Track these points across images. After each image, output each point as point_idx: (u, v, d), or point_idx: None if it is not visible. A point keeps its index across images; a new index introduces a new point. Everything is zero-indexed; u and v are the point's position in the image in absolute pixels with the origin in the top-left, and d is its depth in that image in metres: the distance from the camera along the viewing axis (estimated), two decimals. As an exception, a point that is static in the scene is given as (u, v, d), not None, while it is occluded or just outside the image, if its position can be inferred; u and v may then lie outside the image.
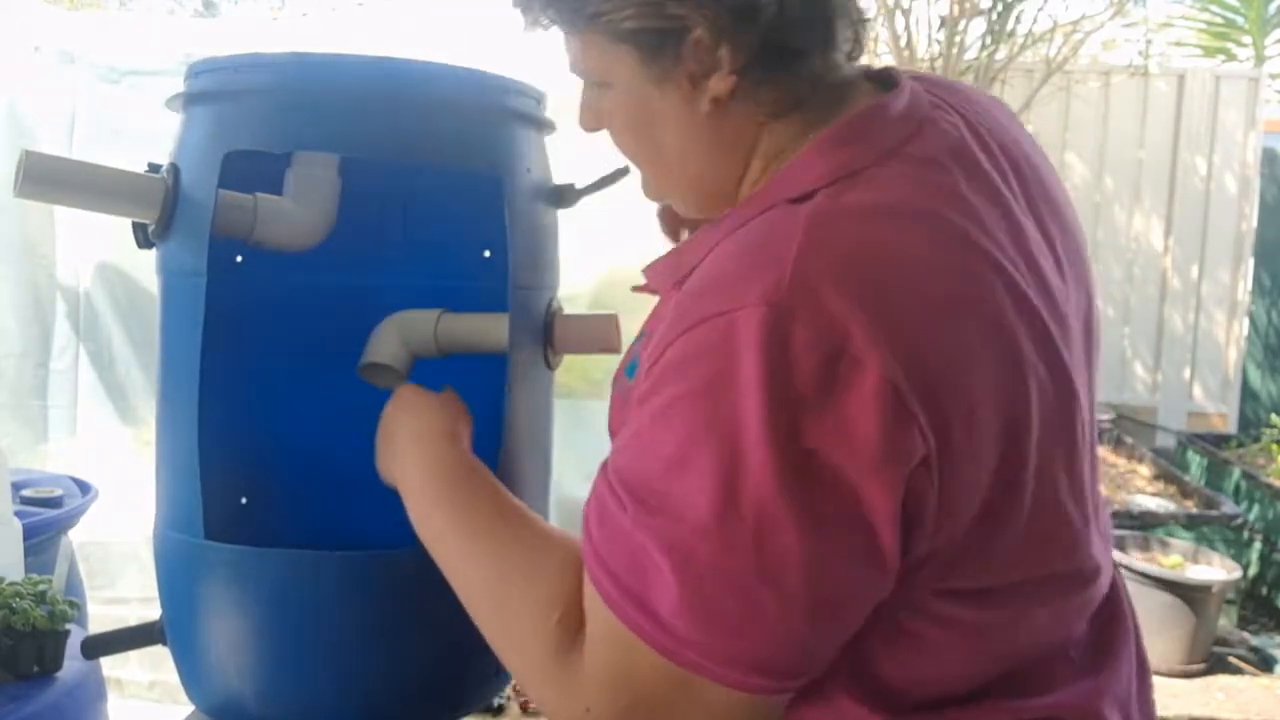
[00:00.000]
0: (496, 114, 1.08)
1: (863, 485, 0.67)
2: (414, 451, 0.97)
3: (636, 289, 0.90)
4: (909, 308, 0.70)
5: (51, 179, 1.01)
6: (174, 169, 1.03)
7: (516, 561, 0.84)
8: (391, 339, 1.14)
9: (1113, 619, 0.88)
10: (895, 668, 0.76)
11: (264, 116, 1.02)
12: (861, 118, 0.79)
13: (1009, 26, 4.87)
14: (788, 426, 0.66)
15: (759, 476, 0.66)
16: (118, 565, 2.93)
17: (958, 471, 0.70)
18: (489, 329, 1.11)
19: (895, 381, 0.67)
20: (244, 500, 1.24)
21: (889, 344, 0.67)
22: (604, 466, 0.77)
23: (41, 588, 1.49)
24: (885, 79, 0.85)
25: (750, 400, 0.66)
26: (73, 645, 1.48)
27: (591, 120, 0.87)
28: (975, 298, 0.73)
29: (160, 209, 1.02)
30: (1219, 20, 7.21)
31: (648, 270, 0.87)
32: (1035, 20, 4.94)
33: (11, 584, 1.48)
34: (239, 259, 1.21)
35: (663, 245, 1.10)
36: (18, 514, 1.93)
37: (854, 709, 0.76)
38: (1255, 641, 3.95)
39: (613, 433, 0.87)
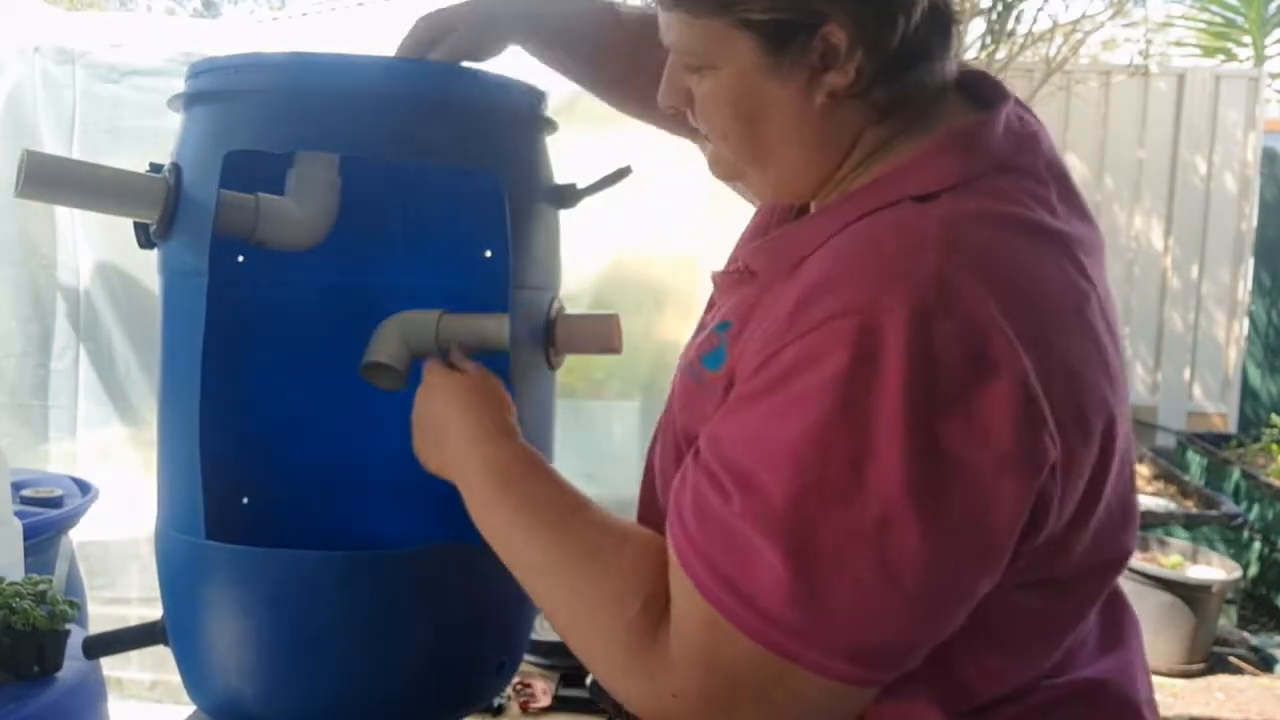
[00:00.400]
0: (498, 114, 1.08)
1: (993, 487, 0.68)
2: (469, 451, 0.94)
3: (722, 272, 0.87)
4: (1040, 316, 0.72)
5: (52, 179, 1.01)
6: (175, 169, 1.03)
7: (587, 556, 0.83)
8: (392, 339, 1.14)
9: (1119, 603, 0.90)
10: (969, 664, 0.77)
11: (265, 116, 1.02)
12: (979, 126, 0.80)
13: (1009, 26, 4.87)
14: (925, 425, 0.67)
15: (889, 470, 0.67)
16: (118, 565, 2.93)
17: (1074, 474, 0.72)
18: (490, 329, 1.11)
19: (1030, 386, 0.68)
20: (245, 500, 1.24)
21: (1026, 349, 0.69)
22: (697, 456, 0.76)
23: (41, 588, 1.49)
24: (969, 83, 0.86)
25: (888, 396, 0.67)
26: (73, 645, 1.48)
27: (676, 98, 0.86)
28: (1084, 310, 0.76)
29: (161, 209, 1.02)
30: (1219, 20, 7.22)
31: (744, 253, 0.84)
32: (1035, 20, 4.94)
33: (11, 584, 1.48)
34: (240, 259, 1.20)
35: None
36: (18, 514, 1.93)
37: (927, 709, 0.76)
38: (1255, 641, 3.95)
39: (680, 424, 0.85)
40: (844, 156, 0.83)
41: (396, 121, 1.01)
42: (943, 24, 0.80)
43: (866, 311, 0.68)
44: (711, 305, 0.93)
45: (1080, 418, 0.72)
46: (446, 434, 0.96)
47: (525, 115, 1.11)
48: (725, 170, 0.89)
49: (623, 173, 1.16)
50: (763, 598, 0.70)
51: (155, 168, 1.05)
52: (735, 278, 0.86)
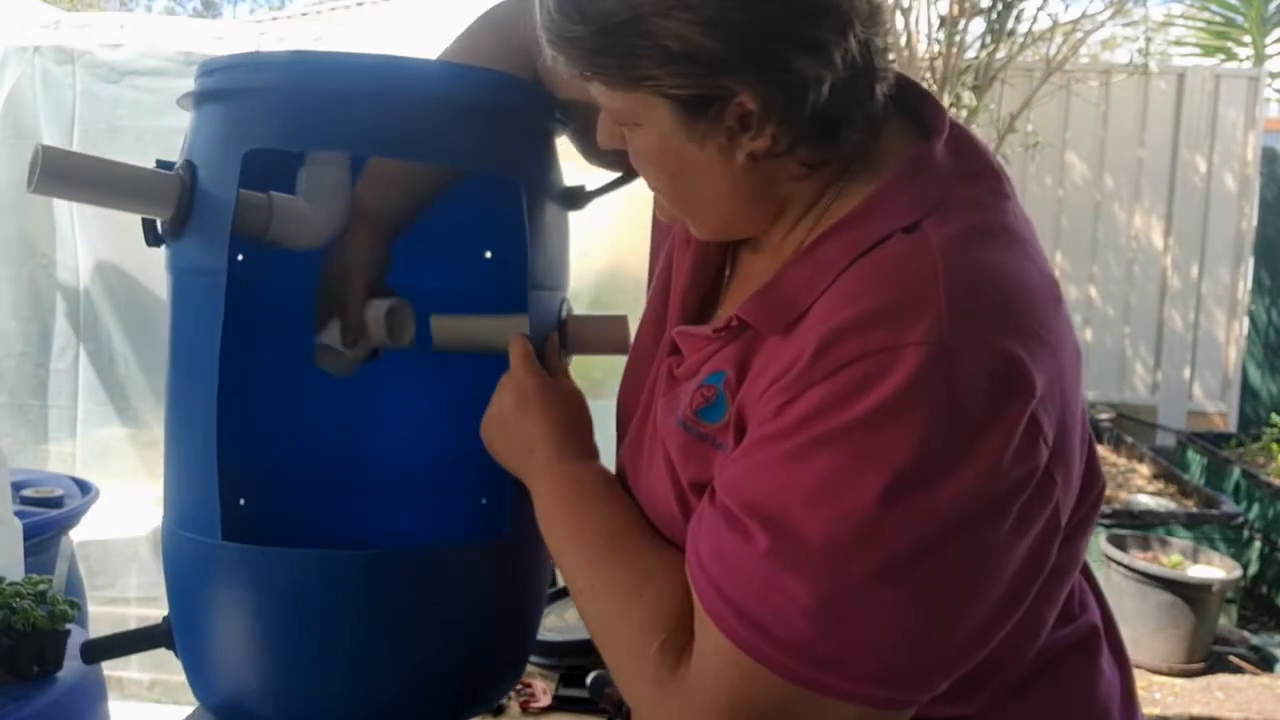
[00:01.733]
0: (515, 116, 1.07)
1: (1010, 508, 0.71)
2: (550, 466, 0.96)
3: (717, 330, 0.85)
4: (1038, 325, 0.74)
5: (67, 175, 0.98)
6: (189, 166, 1.02)
7: (621, 586, 0.85)
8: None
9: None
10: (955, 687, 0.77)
11: (285, 115, 1.01)
12: (930, 149, 0.81)
13: (1009, 26, 4.87)
14: (951, 457, 0.69)
15: (918, 504, 0.68)
16: (118, 565, 2.93)
17: (1067, 460, 0.75)
18: (509, 330, 1.11)
19: (1036, 408, 0.71)
20: (242, 501, 1.23)
21: (1036, 366, 0.71)
22: (712, 499, 0.77)
23: (41, 588, 1.50)
24: (907, 99, 0.86)
25: (916, 433, 0.68)
26: (73, 645, 1.48)
27: (612, 139, 0.87)
28: (1059, 299, 0.79)
29: (175, 206, 1.00)
30: (1219, 19, 7.22)
31: (744, 311, 0.82)
32: (1035, 20, 4.95)
33: (11, 584, 1.48)
34: (240, 257, 1.20)
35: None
36: (18, 514, 1.93)
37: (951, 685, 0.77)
38: (1255, 640, 3.95)
39: (685, 477, 0.85)
40: (779, 206, 0.84)
41: (418, 123, 1.01)
42: (865, 86, 0.79)
43: (889, 351, 0.70)
44: (679, 359, 0.92)
45: (1067, 406, 0.75)
46: (534, 444, 0.98)
47: (538, 117, 1.11)
48: (665, 214, 0.90)
49: (631, 175, 1.16)
50: (789, 633, 0.70)
51: (165, 165, 1.04)
52: (723, 333, 0.85)
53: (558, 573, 2.16)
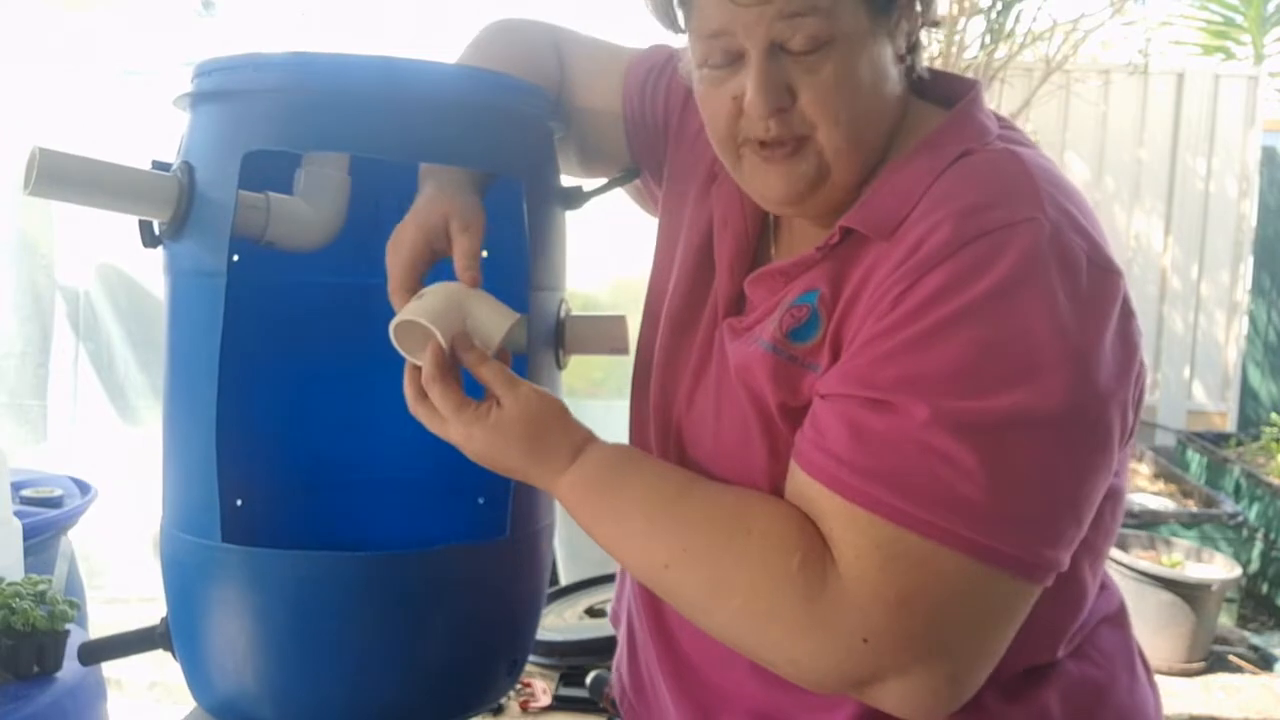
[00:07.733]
0: (515, 117, 1.07)
1: (1128, 375, 0.76)
2: (579, 435, 0.92)
3: (819, 248, 0.85)
4: (1103, 234, 0.80)
5: (63, 177, 0.98)
6: (187, 167, 1.01)
7: (721, 527, 0.81)
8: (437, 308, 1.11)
9: None
10: (1076, 576, 0.81)
11: (283, 116, 1.00)
12: (974, 98, 0.90)
13: (1008, 25, 4.86)
14: (1085, 323, 0.74)
15: (1061, 363, 0.72)
16: (118, 565, 2.93)
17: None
18: (512, 331, 1.11)
19: (1127, 291, 0.78)
20: (239, 501, 1.23)
21: (1115, 256, 0.78)
22: (826, 400, 0.78)
23: (41, 588, 1.50)
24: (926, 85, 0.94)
25: (1044, 297, 0.73)
26: (72, 645, 1.48)
27: (780, 96, 0.83)
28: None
29: (174, 208, 1.00)
30: (1218, 19, 7.21)
31: (851, 220, 0.83)
32: (1035, 19, 4.94)
33: (11, 584, 1.48)
34: (235, 258, 1.20)
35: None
36: (18, 514, 1.93)
37: (1050, 623, 0.80)
38: (1255, 640, 3.95)
39: (770, 402, 0.84)
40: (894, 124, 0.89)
41: (420, 123, 1.01)
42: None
43: (1005, 228, 0.74)
44: (739, 318, 0.92)
45: None
46: (562, 412, 0.94)
47: (538, 118, 1.10)
48: (809, 180, 0.86)
49: (630, 174, 1.16)
50: (958, 499, 0.71)
51: (161, 166, 1.04)
52: (824, 250, 0.85)
53: (559, 572, 2.17)
